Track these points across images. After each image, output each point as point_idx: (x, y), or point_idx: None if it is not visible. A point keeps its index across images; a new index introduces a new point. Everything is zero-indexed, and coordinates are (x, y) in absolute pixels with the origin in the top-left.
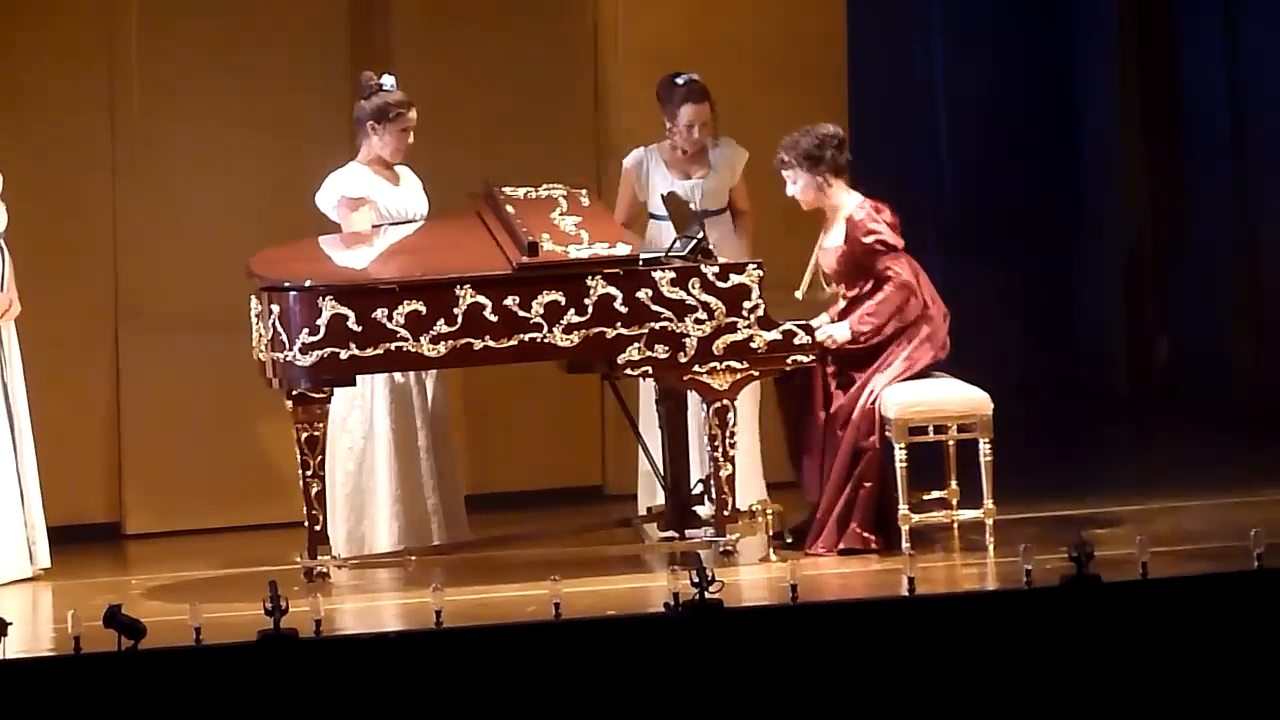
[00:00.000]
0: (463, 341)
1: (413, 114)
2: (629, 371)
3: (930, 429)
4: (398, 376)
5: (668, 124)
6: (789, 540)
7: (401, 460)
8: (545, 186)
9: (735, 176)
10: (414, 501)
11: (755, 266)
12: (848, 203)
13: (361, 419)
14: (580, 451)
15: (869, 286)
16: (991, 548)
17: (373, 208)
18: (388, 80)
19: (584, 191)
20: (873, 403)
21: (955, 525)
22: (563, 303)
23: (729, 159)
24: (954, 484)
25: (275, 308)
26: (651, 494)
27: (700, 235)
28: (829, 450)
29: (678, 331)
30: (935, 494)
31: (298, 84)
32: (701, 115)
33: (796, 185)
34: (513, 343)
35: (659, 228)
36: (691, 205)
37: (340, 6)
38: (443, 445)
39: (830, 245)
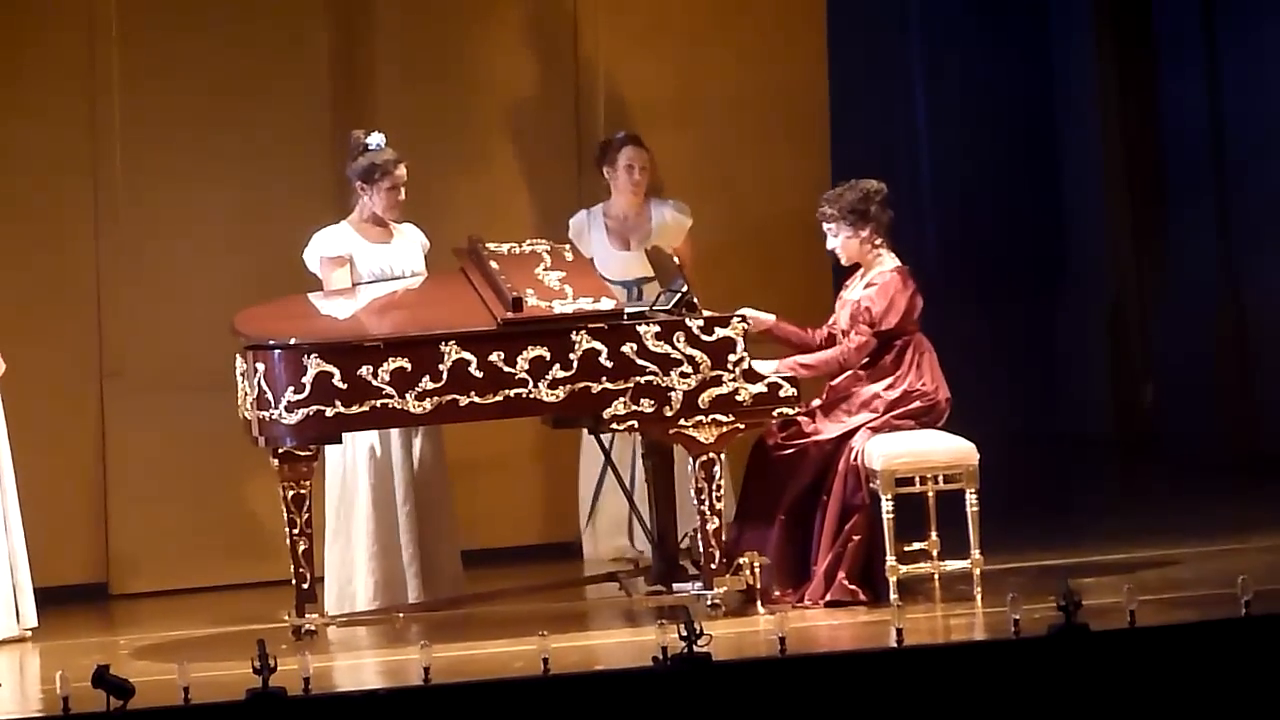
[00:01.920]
0: (448, 398)
1: (400, 171)
2: (615, 426)
3: (916, 480)
4: (379, 433)
5: (608, 177)
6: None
7: (379, 516)
8: (529, 242)
9: (679, 238)
10: (389, 558)
11: (740, 320)
12: (884, 264)
13: (343, 477)
14: (567, 507)
15: (866, 359)
16: (979, 598)
17: (352, 267)
18: (373, 139)
19: (567, 246)
20: (856, 458)
21: (937, 576)
22: (548, 358)
23: (670, 222)
24: (934, 535)
25: (260, 366)
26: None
27: (684, 289)
28: (799, 510)
29: (663, 385)
30: (917, 545)
31: (280, 142)
32: (640, 159)
33: (838, 239)
34: (498, 398)
35: None
36: (675, 259)
37: (322, 65)
38: (430, 502)
39: (849, 297)
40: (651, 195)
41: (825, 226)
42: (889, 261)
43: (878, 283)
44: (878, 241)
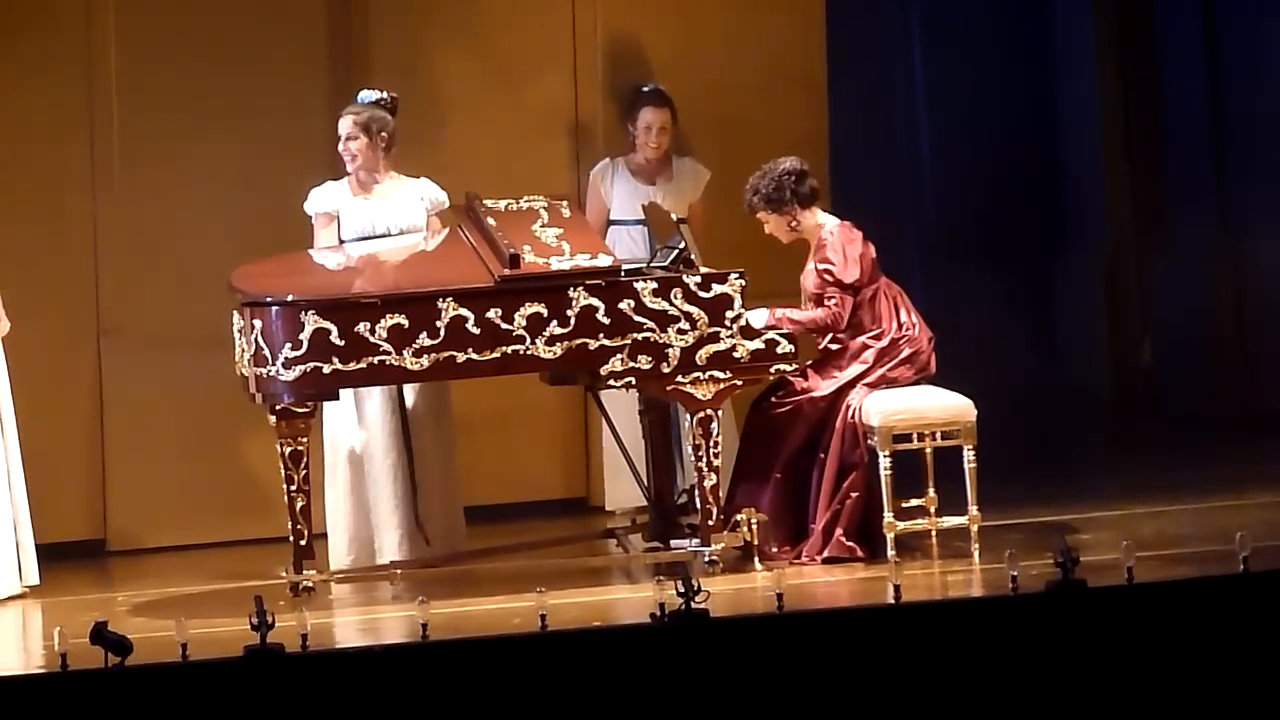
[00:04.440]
0: (445, 354)
1: (340, 123)
2: (612, 382)
3: (914, 436)
4: (364, 389)
5: (631, 133)
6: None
7: (355, 472)
8: (526, 198)
9: (697, 192)
10: (364, 513)
11: (737, 276)
12: (823, 227)
13: (334, 432)
14: (565, 464)
15: None
16: (977, 554)
17: (339, 224)
18: (361, 95)
19: (565, 202)
20: (853, 415)
21: (934, 533)
22: (545, 314)
23: (691, 174)
24: (932, 491)
25: (257, 323)
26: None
27: (682, 245)
28: (795, 467)
29: (660, 342)
30: (915, 502)
31: (276, 104)
32: (660, 118)
33: (769, 225)
34: (496, 355)
35: (618, 233)
36: (673, 215)
37: (318, 27)
38: (423, 457)
39: (809, 269)
40: (672, 148)
41: (759, 217)
42: (827, 223)
43: (825, 240)
44: (802, 216)
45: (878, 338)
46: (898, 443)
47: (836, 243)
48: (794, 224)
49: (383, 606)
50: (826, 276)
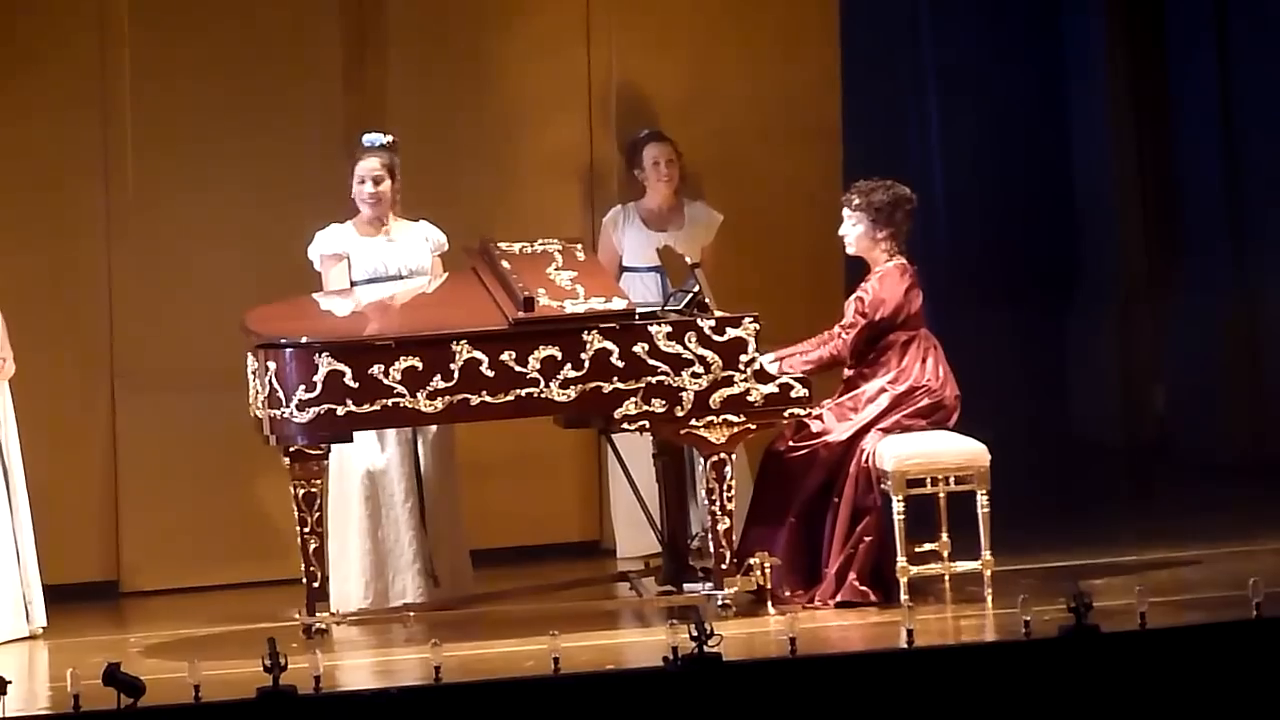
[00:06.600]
0: (459, 397)
1: (365, 162)
2: (626, 426)
3: (928, 481)
4: (377, 433)
5: (640, 177)
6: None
7: (371, 514)
8: (541, 241)
9: (709, 236)
10: (382, 557)
11: (752, 320)
12: (888, 258)
13: (340, 475)
14: (579, 507)
15: (871, 355)
16: (990, 599)
17: (349, 265)
18: (365, 138)
19: (579, 246)
20: (867, 460)
21: (947, 577)
22: (559, 357)
23: (703, 219)
24: (945, 536)
25: (272, 365)
26: (632, 543)
27: (696, 289)
28: (809, 512)
29: (674, 385)
30: (928, 546)
31: (291, 144)
32: (665, 152)
33: (855, 229)
34: (510, 398)
35: (630, 279)
36: (687, 259)
37: (334, 67)
38: (433, 502)
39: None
40: (683, 191)
41: (846, 213)
42: (894, 260)
43: (874, 275)
44: (891, 247)
45: (894, 382)
46: (911, 487)
47: (883, 278)
48: (880, 243)
49: (396, 649)
50: (857, 303)
